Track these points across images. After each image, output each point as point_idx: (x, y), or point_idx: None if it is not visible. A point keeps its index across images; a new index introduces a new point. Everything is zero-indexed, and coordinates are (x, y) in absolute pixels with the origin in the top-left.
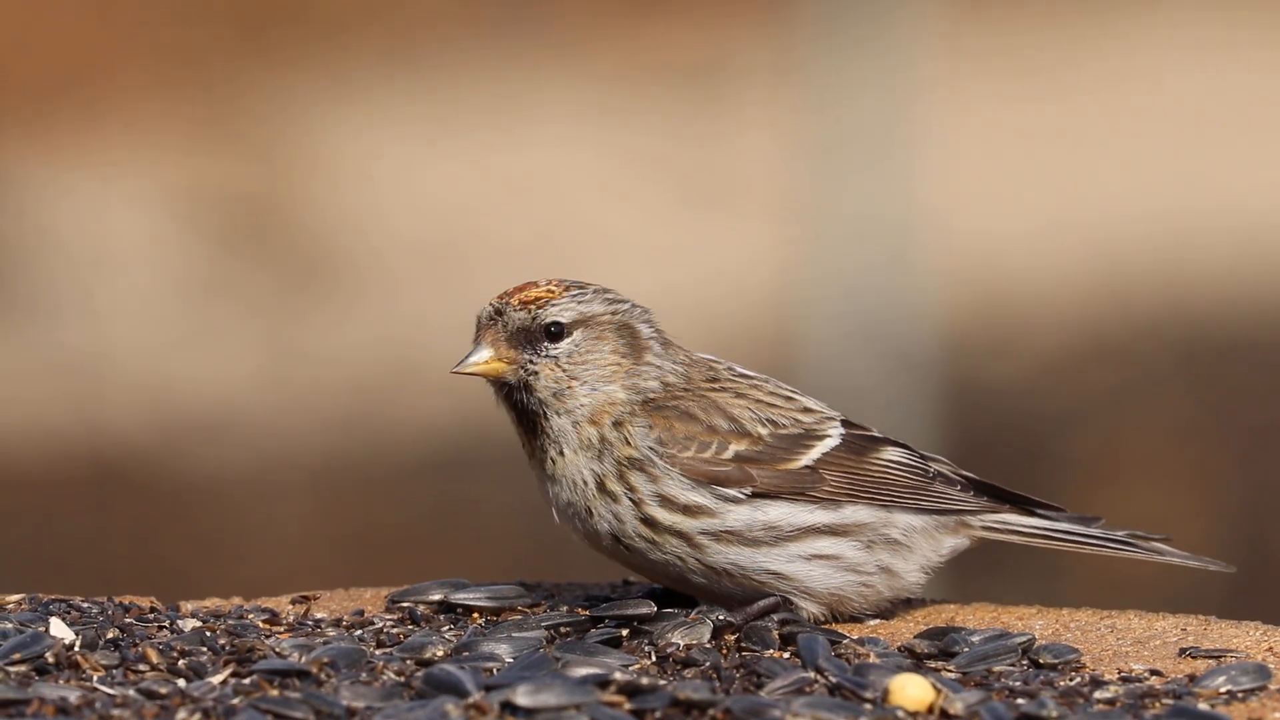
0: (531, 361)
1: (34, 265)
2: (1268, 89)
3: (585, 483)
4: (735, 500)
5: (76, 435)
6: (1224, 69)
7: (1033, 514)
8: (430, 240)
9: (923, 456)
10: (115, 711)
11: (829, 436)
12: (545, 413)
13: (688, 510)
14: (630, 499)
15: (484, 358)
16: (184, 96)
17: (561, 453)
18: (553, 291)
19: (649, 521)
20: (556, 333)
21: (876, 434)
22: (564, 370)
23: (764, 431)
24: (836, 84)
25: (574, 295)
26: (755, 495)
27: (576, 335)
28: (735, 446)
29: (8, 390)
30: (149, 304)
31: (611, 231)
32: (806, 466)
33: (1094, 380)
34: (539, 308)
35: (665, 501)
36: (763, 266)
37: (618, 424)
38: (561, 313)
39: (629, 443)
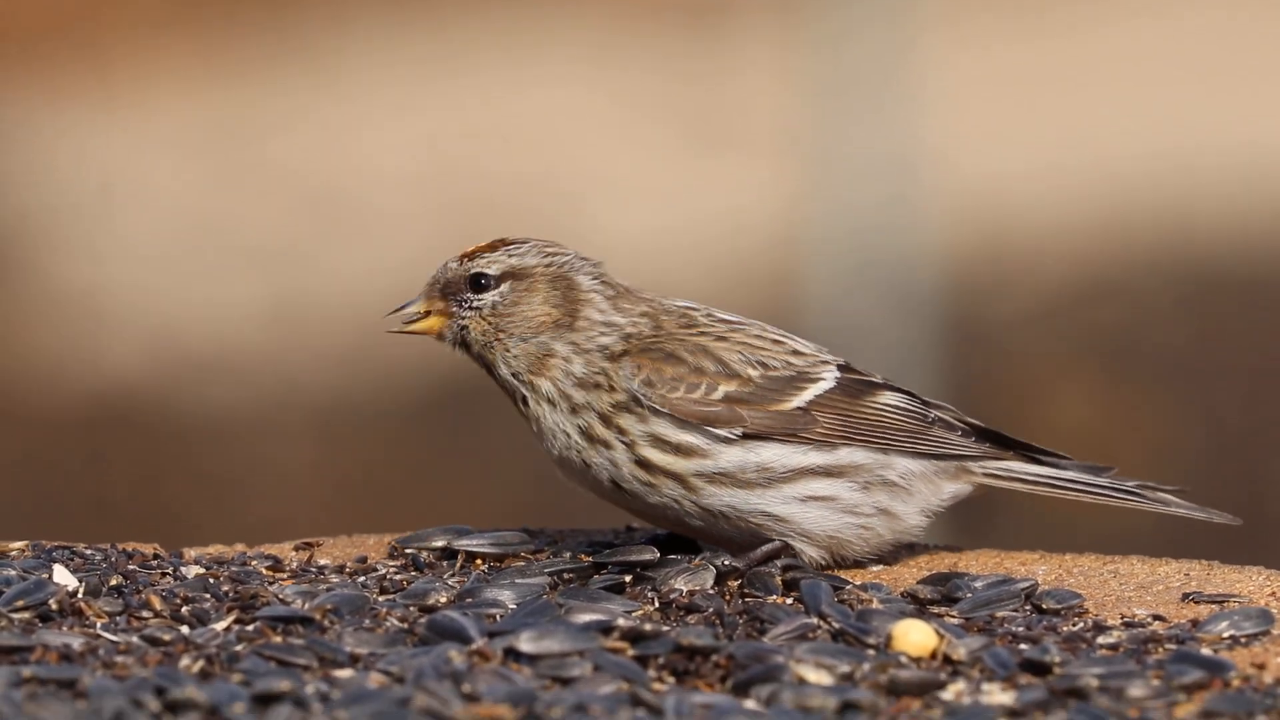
0: (461, 315)
1: (35, 204)
2: (1271, 27)
3: (568, 434)
4: (727, 441)
5: (77, 376)
6: (1228, 6)
7: (1038, 462)
8: (431, 179)
9: (924, 403)
10: (119, 658)
11: (823, 379)
12: (489, 367)
13: (680, 450)
14: (623, 442)
15: (417, 308)
16: (185, 34)
17: (540, 405)
18: (492, 246)
19: (644, 464)
20: (484, 284)
21: (876, 379)
22: (489, 323)
23: (754, 373)
24: (839, 23)
25: (509, 249)
26: (747, 436)
27: (504, 287)
28: (725, 388)
29: (9, 330)
30: (150, 242)
31: (612, 171)
32: (799, 408)
33: (1095, 319)
34: (470, 260)
35: (657, 441)
36: (764, 207)
37: (585, 384)
38: (489, 265)
39: (613, 388)
